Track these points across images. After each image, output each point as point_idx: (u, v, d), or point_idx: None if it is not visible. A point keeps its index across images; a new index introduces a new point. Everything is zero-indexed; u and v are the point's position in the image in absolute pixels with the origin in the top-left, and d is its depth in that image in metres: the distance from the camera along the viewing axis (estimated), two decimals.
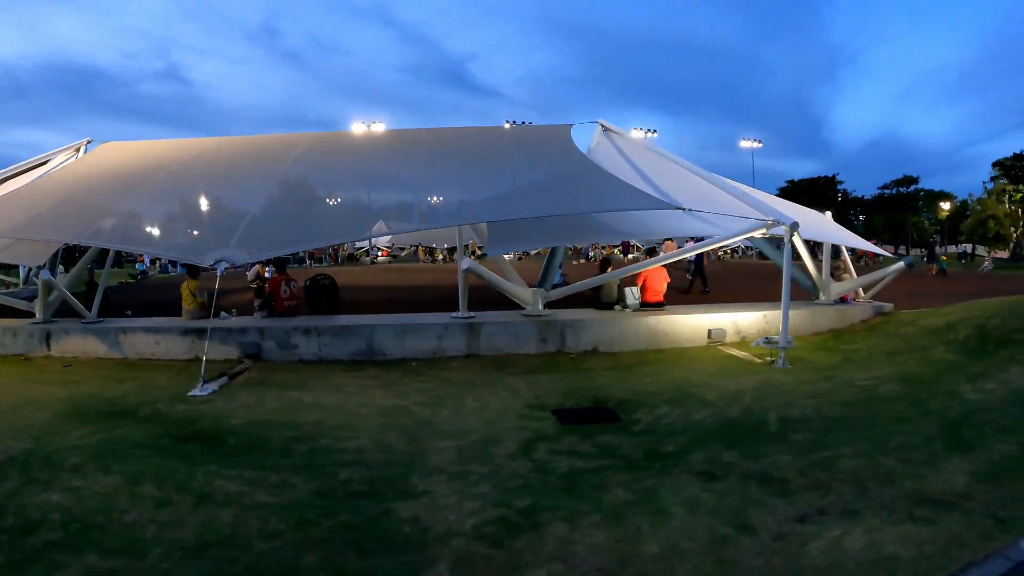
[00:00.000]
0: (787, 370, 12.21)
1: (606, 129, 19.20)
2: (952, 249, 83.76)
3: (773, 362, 12.68)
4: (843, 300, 17.81)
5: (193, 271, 16.31)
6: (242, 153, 19.10)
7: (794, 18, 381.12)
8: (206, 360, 11.90)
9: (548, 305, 15.56)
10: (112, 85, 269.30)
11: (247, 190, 16.61)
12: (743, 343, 14.65)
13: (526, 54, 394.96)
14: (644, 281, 16.18)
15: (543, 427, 8.73)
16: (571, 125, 18.51)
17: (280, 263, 17.42)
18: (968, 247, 77.15)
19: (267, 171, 17.23)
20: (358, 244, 60.19)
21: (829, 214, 21.14)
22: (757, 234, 14.49)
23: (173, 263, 50.10)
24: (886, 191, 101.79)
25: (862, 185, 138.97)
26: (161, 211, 16.79)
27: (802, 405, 9.54)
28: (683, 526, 5.58)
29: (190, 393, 10.70)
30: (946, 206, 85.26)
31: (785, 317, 13.05)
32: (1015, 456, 7.10)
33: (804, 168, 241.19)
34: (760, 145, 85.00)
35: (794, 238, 14.08)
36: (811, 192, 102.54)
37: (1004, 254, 74.92)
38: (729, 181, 16.39)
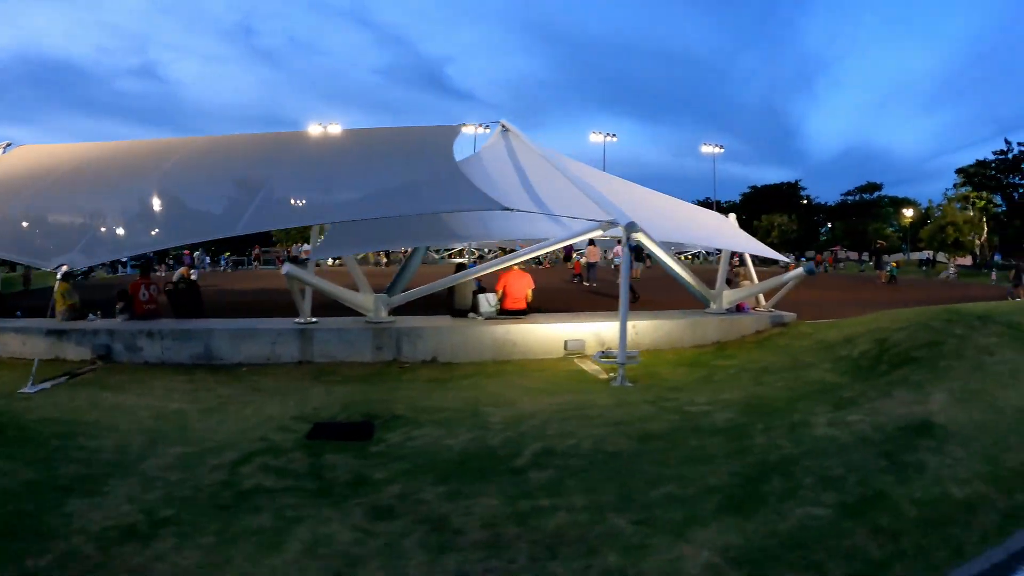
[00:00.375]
0: (621, 389, 10.87)
1: (505, 130, 18.39)
2: (915, 256, 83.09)
3: (614, 379, 11.25)
4: (740, 309, 16.42)
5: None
6: (130, 157, 18.77)
7: (770, 27, 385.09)
8: (63, 359, 13.31)
9: (396, 311, 14.76)
10: (87, 81, 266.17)
11: (112, 194, 16.61)
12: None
13: (503, 58, 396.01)
14: (504, 287, 15.04)
15: (284, 440, 8.23)
16: (463, 125, 17.59)
17: (145, 267, 18.44)
18: (929, 254, 76.27)
19: (140, 175, 17.00)
20: (305, 247, 58.12)
21: (732, 217, 19.29)
22: (595, 234, 13.37)
23: (123, 263, 50.96)
24: (849, 198, 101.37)
25: (835, 194, 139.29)
26: (29, 215, 16.73)
27: (589, 435, 8.11)
28: (279, 565, 4.90)
29: (20, 390, 10.89)
30: (909, 213, 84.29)
31: (623, 330, 11.79)
32: (810, 528, 5.23)
33: (778, 175, 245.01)
34: (722, 150, 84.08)
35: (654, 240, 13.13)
36: (774, 198, 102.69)
37: (966, 261, 74.35)
38: (596, 182, 15.32)
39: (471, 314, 14.87)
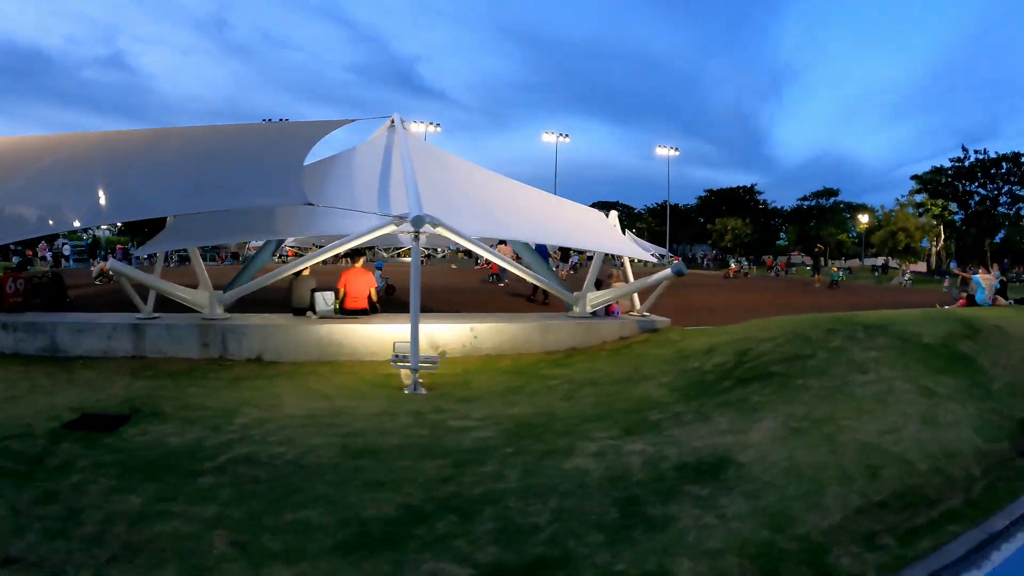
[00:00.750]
0: (410, 397, 10.02)
1: (393, 124, 17.54)
2: (870, 262, 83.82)
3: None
4: (611, 313, 15.61)
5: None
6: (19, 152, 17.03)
7: (742, 34, 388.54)
8: None
9: (234, 308, 14.61)
10: (55, 70, 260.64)
11: None
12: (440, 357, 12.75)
13: (476, 58, 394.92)
14: (344, 286, 14.54)
15: (43, 427, 7.94)
16: (352, 120, 16.92)
17: (22, 263, 19.03)
18: (882, 260, 76.82)
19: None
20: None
21: (614, 215, 18.44)
22: (387, 230, 12.40)
23: (66, 256, 52.45)
24: (805, 203, 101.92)
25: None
26: None
27: (308, 444, 7.45)
28: None
29: None
30: (865, 219, 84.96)
31: (414, 334, 10.93)
32: None
33: (746, 180, 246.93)
34: (677, 153, 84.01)
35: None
36: (731, 201, 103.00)
37: (921, 267, 74.88)
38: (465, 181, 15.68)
39: (309, 313, 14.27)
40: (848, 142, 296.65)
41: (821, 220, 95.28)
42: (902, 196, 72.27)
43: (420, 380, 10.50)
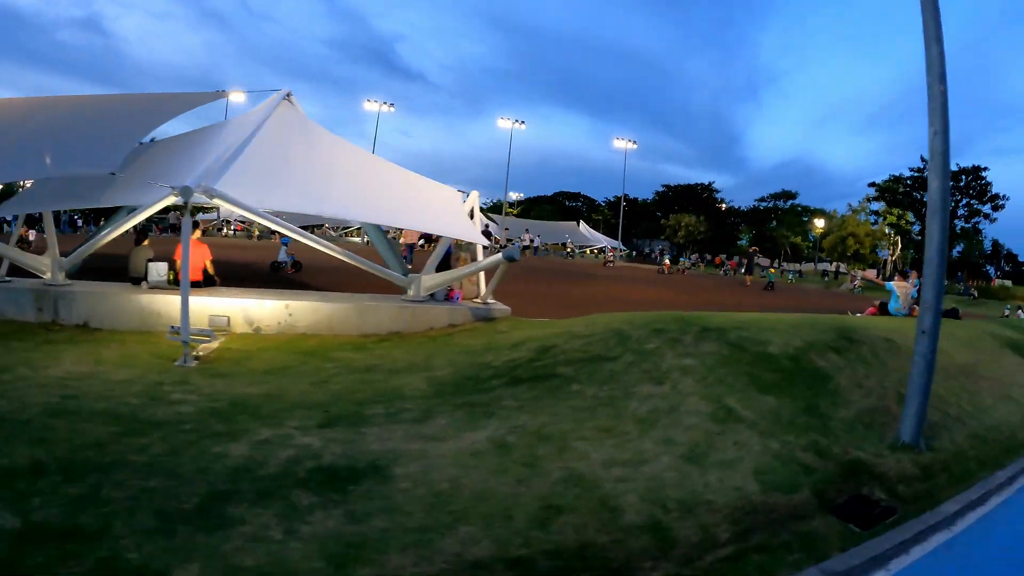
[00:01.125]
0: (178, 369, 9.94)
1: (283, 101, 16.96)
2: (822, 266, 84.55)
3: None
4: (451, 298, 15.41)
5: None
6: None
7: (722, 36, 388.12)
8: None
9: (83, 276, 14.86)
10: (29, 30, 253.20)
11: None
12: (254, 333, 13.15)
13: (455, 41, 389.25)
14: (179, 257, 13.79)
15: None
16: (225, 93, 16.73)
17: None
18: (837, 264, 77.50)
19: None
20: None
21: (475, 195, 18.23)
22: (167, 201, 12.08)
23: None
24: (763, 204, 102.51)
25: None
26: None
27: None
28: None
29: None
30: (821, 223, 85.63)
31: (184, 307, 10.78)
32: None
33: (720, 181, 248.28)
34: (635, 146, 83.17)
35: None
36: (688, 198, 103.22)
37: (871, 274, 75.57)
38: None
39: (144, 282, 14.27)
40: (820, 149, 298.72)
41: (777, 222, 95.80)
42: (855, 202, 72.61)
43: (200, 353, 10.67)
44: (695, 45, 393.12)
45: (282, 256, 24.16)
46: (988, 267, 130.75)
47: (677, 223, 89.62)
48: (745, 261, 56.99)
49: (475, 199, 17.90)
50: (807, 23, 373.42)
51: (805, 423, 7.61)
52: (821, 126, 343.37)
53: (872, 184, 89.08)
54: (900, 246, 79.45)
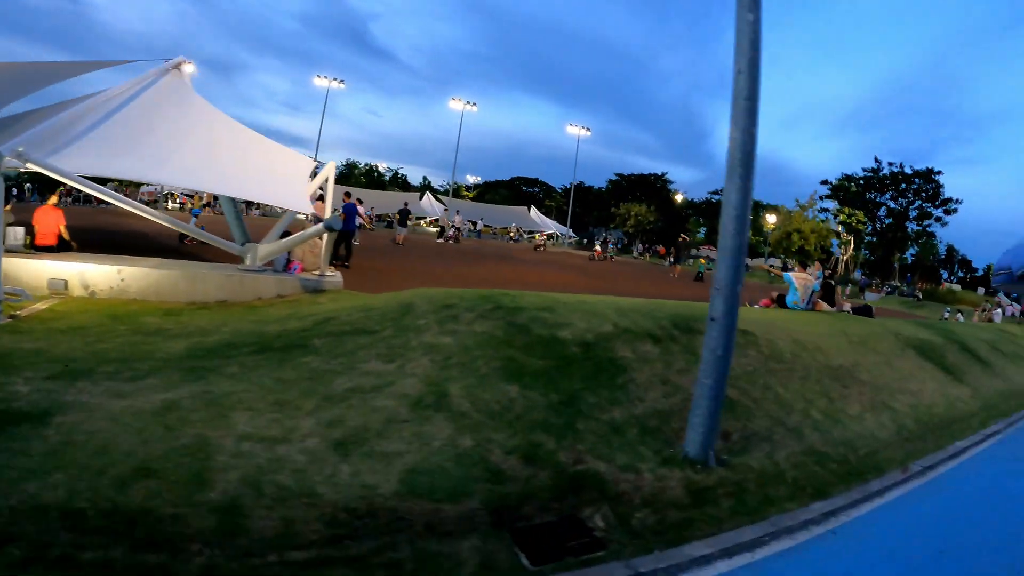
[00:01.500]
0: None
1: (173, 71, 16.37)
2: (773, 262, 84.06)
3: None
4: (288, 268, 14.86)
5: None
6: None
7: (697, 32, 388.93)
8: None
9: None
10: None
11: None
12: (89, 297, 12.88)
13: (429, 22, 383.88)
14: (36, 223, 14.57)
15: None
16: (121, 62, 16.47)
17: None
18: (788, 261, 76.72)
19: None
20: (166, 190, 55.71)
21: (330, 165, 16.99)
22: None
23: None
24: (715, 196, 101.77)
25: None
26: None
27: None
28: None
29: None
30: (772, 219, 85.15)
31: None
32: None
33: (687, 175, 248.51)
34: (589, 133, 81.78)
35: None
36: (641, 187, 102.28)
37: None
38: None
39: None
40: (788, 150, 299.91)
41: (716, 214, 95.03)
42: (803, 198, 71.59)
43: (19, 312, 10.56)
44: (669, 39, 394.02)
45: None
46: (943, 272, 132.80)
47: (627, 212, 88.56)
48: (673, 251, 55.99)
49: (330, 170, 16.95)
50: (781, 24, 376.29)
51: (543, 420, 6.41)
52: (791, 127, 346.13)
53: (824, 182, 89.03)
54: (852, 245, 79.17)
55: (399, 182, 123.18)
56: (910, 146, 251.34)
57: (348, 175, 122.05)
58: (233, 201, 15.98)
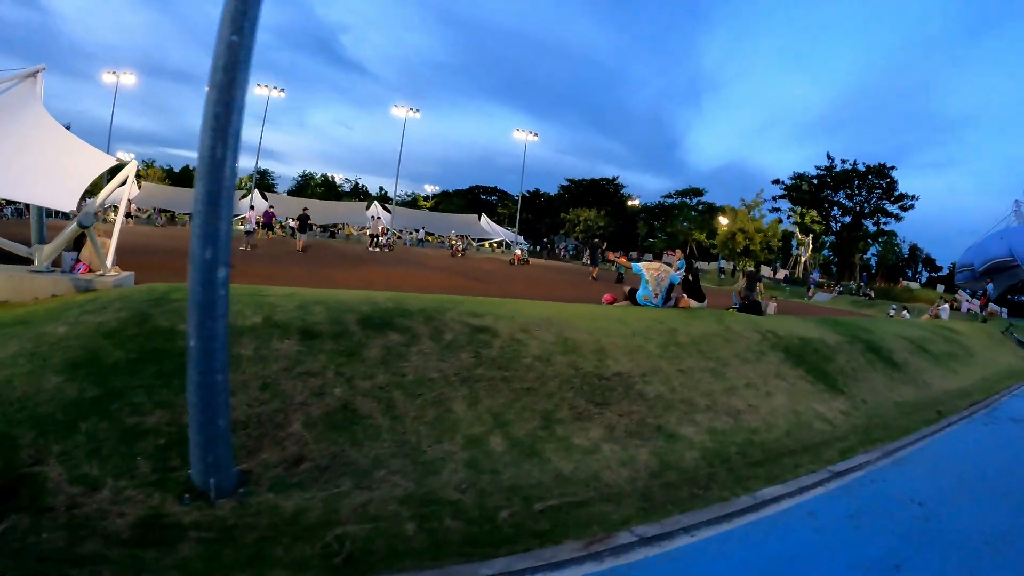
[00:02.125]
0: None
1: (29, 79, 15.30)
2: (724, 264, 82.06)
3: None
4: (73, 269, 13.53)
5: None
6: None
7: (668, 41, 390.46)
8: None
9: None
10: None
11: None
12: None
13: (400, 34, 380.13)
14: None
15: None
16: None
17: None
18: (743, 263, 74.47)
19: None
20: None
21: (133, 163, 14.72)
22: None
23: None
24: (669, 200, 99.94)
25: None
26: None
27: None
28: None
29: None
30: (725, 221, 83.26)
31: None
32: None
33: (657, 183, 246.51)
34: (536, 138, 79.74)
35: None
36: (593, 192, 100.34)
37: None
38: None
39: None
40: (757, 156, 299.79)
41: (679, 217, 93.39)
42: (748, 198, 69.21)
43: None
44: (640, 49, 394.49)
45: None
46: (908, 271, 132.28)
47: (576, 218, 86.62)
48: (588, 253, 53.56)
49: (132, 168, 14.69)
50: (750, 32, 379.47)
51: (49, 414, 5.43)
52: (760, 134, 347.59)
53: (776, 181, 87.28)
54: (810, 246, 77.38)
55: (360, 193, 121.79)
56: (878, 150, 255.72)
57: (304, 186, 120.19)
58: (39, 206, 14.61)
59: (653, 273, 14.15)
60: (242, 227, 35.75)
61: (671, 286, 14.43)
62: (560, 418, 7.27)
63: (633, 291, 14.52)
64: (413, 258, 39.39)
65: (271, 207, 38.20)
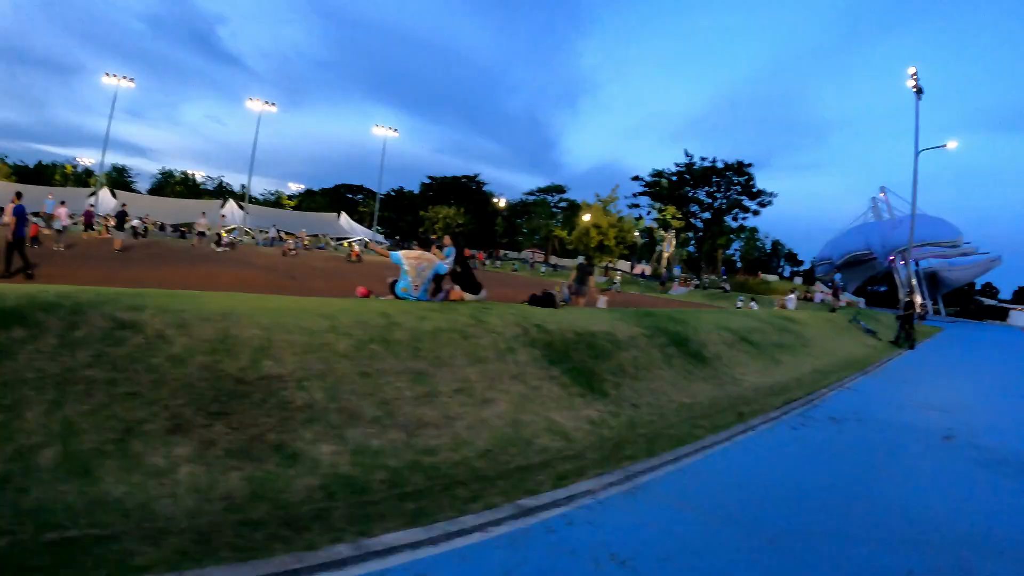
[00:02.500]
0: None
1: None
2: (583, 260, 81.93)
3: None
4: None
5: None
6: None
7: (547, 43, 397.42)
8: None
9: None
10: None
11: None
12: None
13: (278, 28, 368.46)
14: None
15: None
16: None
17: None
18: (609, 260, 73.85)
19: None
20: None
21: None
22: None
23: None
24: (531, 197, 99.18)
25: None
26: None
27: None
28: None
29: None
30: (587, 218, 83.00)
31: None
32: None
33: (532, 183, 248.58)
34: (396, 134, 77.30)
35: None
36: (455, 190, 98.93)
37: (633, 269, 72.94)
38: None
39: None
40: (630, 158, 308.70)
41: (538, 215, 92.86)
42: (603, 193, 68.38)
43: None
44: (519, 52, 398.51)
45: None
46: (774, 265, 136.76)
47: (435, 215, 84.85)
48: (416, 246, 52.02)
49: None
50: (627, 38, 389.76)
51: None
52: (634, 136, 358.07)
53: (636, 178, 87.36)
54: (674, 242, 77.68)
55: (223, 191, 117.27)
56: (748, 153, 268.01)
57: (164, 184, 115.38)
58: None
59: (413, 263, 11.88)
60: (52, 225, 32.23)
61: (437, 276, 12.32)
62: (148, 430, 5.51)
63: (394, 283, 12.25)
64: (247, 258, 37.04)
65: (124, 205, 35.29)
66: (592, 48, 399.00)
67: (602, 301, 21.85)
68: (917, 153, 40.21)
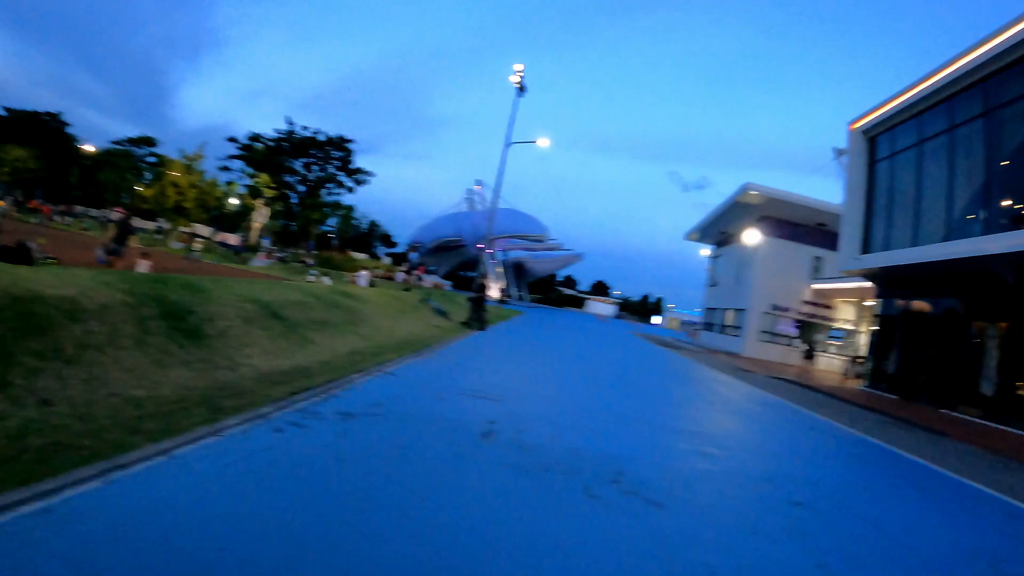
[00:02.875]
0: None
1: None
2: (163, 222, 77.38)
3: None
4: None
5: None
6: None
7: None
8: None
9: None
10: None
11: None
12: None
13: None
14: None
15: None
16: None
17: None
18: (195, 226, 69.59)
19: None
20: None
21: None
22: None
23: None
24: (118, 146, 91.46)
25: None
26: None
27: None
28: None
29: None
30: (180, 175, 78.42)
31: None
32: None
33: (134, 131, 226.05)
34: None
35: None
36: (33, 127, 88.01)
37: (232, 239, 70.34)
38: None
39: None
40: (247, 122, 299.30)
41: (123, 167, 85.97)
42: (190, 150, 64.05)
43: None
44: None
45: None
46: (373, 245, 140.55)
47: (4, 156, 74.34)
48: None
49: None
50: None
51: None
52: (253, 100, 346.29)
53: (232, 139, 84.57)
54: (268, 213, 75.60)
55: None
56: (365, 135, 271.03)
57: None
58: None
59: None
60: None
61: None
62: None
63: None
64: None
65: None
66: (224, 1, 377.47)
67: (143, 265, 20.62)
68: (508, 144, 43.31)
